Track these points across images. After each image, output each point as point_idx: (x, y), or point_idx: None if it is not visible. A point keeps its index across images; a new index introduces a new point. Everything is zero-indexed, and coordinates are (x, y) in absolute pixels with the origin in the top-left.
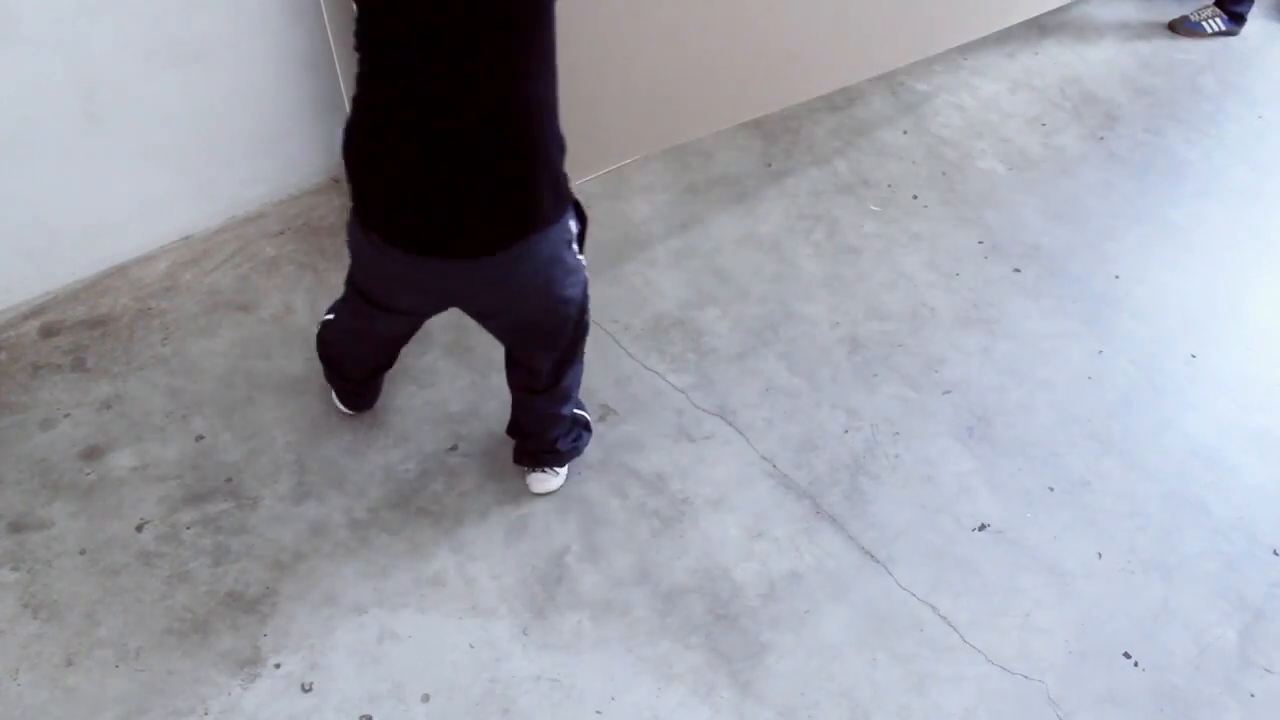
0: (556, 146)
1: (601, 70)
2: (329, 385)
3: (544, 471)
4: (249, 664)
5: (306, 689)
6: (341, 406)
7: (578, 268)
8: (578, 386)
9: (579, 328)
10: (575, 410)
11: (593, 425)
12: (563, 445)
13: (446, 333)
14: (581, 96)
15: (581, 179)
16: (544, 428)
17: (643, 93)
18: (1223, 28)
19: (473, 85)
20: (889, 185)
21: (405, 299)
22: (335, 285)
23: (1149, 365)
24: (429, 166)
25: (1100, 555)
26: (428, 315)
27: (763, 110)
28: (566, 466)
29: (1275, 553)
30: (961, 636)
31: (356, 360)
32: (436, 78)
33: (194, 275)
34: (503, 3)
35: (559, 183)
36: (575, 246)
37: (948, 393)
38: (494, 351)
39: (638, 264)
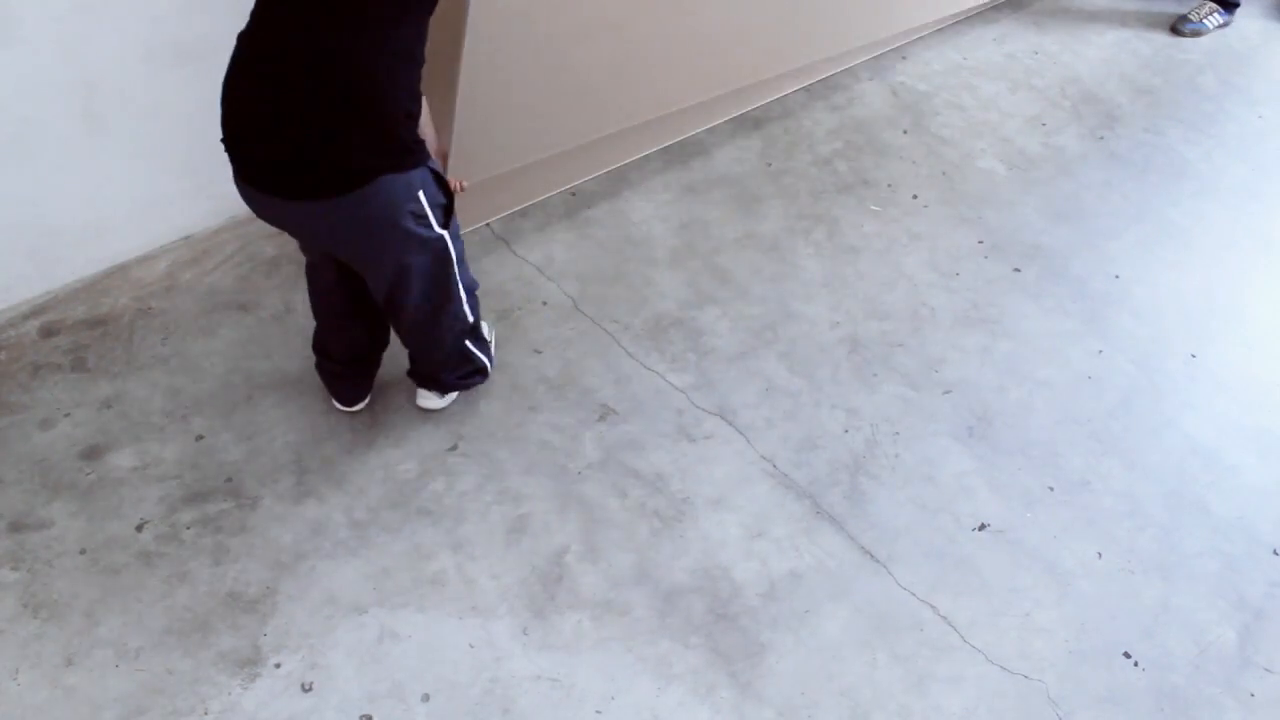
0: (397, 110)
1: (590, 75)
2: (320, 379)
3: (428, 390)
4: (249, 664)
5: (306, 689)
6: (334, 402)
7: (424, 242)
8: (458, 332)
9: (432, 287)
10: (468, 348)
11: (489, 370)
12: (446, 377)
13: None
14: (574, 101)
15: (579, 180)
16: (419, 354)
17: (636, 94)
18: (1221, 20)
19: (310, 39)
20: (889, 185)
21: (279, 226)
22: None
23: (1149, 365)
24: (259, 105)
25: (1100, 555)
26: (319, 248)
27: (742, 82)
28: (454, 395)
29: (1275, 553)
30: (961, 636)
31: (327, 321)
32: (288, 33)
33: (194, 275)
34: None
35: (392, 146)
36: (430, 216)
37: (948, 393)
38: (496, 351)
39: (638, 264)
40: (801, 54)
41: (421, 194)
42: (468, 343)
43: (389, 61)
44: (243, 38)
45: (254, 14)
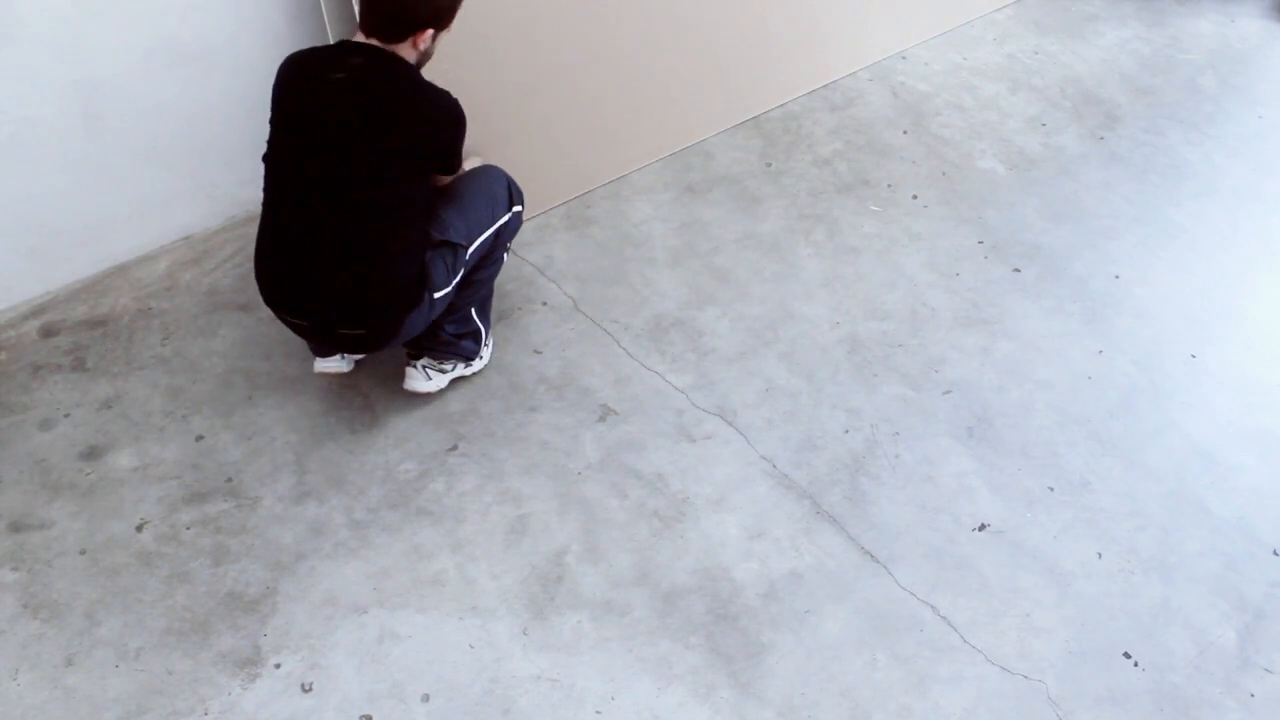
0: (410, 268)
1: (599, 86)
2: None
3: (417, 369)
4: (249, 664)
5: (306, 689)
6: (316, 361)
7: (441, 301)
8: (472, 309)
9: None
10: (475, 323)
11: (485, 352)
12: (439, 335)
13: None
14: (580, 112)
15: (583, 190)
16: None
17: (640, 104)
18: None
19: (325, 212)
20: (889, 185)
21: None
22: None
23: (1149, 365)
24: (290, 282)
25: (1100, 555)
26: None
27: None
28: (444, 379)
29: (1275, 553)
30: (961, 636)
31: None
32: (303, 209)
33: (194, 275)
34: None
35: (411, 293)
36: (446, 293)
37: (948, 393)
38: (495, 351)
39: (638, 264)
40: (810, 78)
41: (436, 295)
42: (471, 310)
43: (394, 219)
44: (264, 222)
45: (267, 192)
